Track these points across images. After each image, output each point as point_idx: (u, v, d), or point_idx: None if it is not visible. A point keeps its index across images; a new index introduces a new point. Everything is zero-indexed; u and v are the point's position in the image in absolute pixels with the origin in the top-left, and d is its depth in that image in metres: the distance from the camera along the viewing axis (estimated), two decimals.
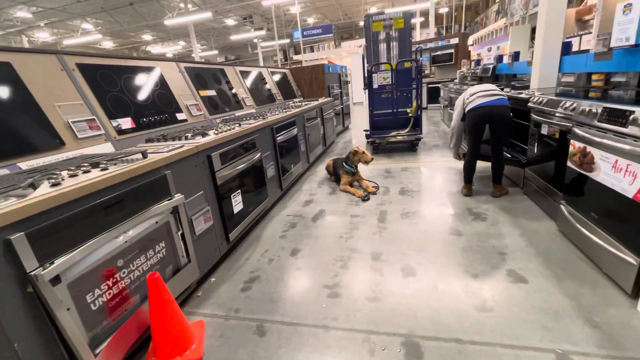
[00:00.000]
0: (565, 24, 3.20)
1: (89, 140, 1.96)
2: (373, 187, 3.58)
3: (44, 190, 1.19)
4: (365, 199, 3.34)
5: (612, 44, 2.30)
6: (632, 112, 1.58)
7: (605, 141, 1.73)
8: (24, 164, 1.59)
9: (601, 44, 2.52)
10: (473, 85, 3.31)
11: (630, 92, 2.35)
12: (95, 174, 1.38)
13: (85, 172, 1.42)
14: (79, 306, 1.23)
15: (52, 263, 1.12)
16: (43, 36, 16.19)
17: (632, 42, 2.12)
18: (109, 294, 1.38)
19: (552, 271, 1.92)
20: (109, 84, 2.26)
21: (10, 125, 1.59)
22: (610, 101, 1.89)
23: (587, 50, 3.57)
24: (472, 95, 3.01)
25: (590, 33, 3.91)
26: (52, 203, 1.15)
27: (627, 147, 1.57)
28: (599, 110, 1.84)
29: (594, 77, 2.99)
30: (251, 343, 1.62)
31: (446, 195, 3.23)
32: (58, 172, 1.38)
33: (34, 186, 1.20)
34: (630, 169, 1.57)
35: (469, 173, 3.14)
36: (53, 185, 1.23)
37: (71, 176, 1.36)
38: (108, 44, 19.80)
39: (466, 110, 2.99)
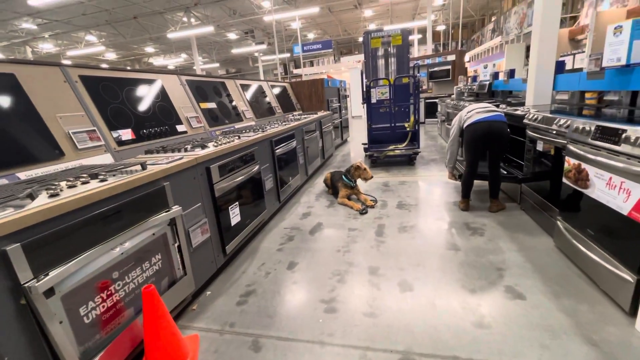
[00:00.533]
0: (558, 43, 3.29)
1: (89, 151, 1.97)
2: (371, 200, 3.58)
3: (42, 201, 1.19)
4: (363, 212, 3.34)
5: (604, 64, 2.36)
6: (625, 130, 1.61)
7: (599, 158, 1.76)
8: (23, 174, 1.59)
9: (593, 63, 2.59)
10: (470, 101, 3.36)
11: (623, 111, 2.40)
12: (94, 185, 1.38)
13: (84, 183, 1.42)
14: (72, 319, 1.21)
15: (47, 275, 1.11)
16: (47, 47, 16.42)
17: (623, 62, 2.18)
18: (103, 306, 1.36)
19: (550, 288, 1.91)
20: (110, 96, 2.29)
21: (10, 135, 1.61)
22: (604, 119, 1.93)
23: (580, 69, 3.66)
24: (469, 112, 3.08)
25: (584, 52, 4.01)
26: (50, 214, 1.15)
27: (620, 164, 1.60)
28: (593, 128, 1.87)
29: (587, 95, 3.05)
30: (246, 359, 1.59)
31: (444, 210, 3.23)
32: (57, 183, 1.38)
33: (32, 197, 1.20)
34: (624, 186, 1.59)
35: (466, 188, 3.16)
36: (51, 196, 1.24)
37: (70, 187, 1.36)
38: (111, 56, 20.07)
39: (464, 126, 3.04)
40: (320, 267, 2.37)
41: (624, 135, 1.61)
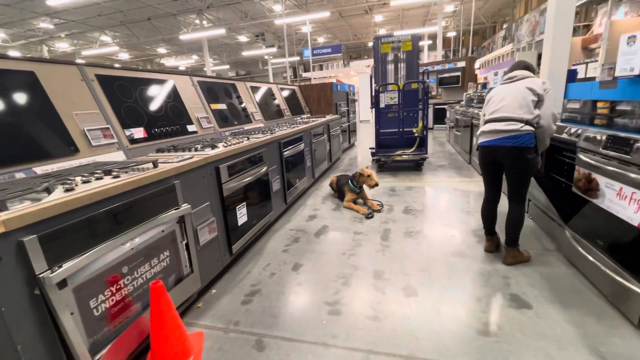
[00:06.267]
0: (571, 51, 3.27)
1: (102, 148, 2.01)
2: (377, 205, 3.58)
3: (58, 194, 1.23)
4: (369, 216, 3.34)
5: (617, 74, 2.34)
6: (637, 140, 1.60)
7: (609, 168, 1.74)
8: (40, 169, 1.64)
9: (606, 72, 2.57)
10: (480, 107, 3.02)
11: (636, 121, 2.36)
12: (107, 181, 1.42)
13: (97, 178, 1.46)
14: (83, 311, 1.24)
15: (61, 266, 1.14)
16: (63, 46, 16.81)
17: (637, 72, 2.15)
18: (112, 300, 1.39)
19: (557, 298, 1.89)
20: (124, 95, 2.34)
21: (29, 130, 1.66)
22: (616, 129, 1.91)
23: (593, 78, 3.63)
24: (485, 113, 2.37)
25: (596, 61, 3.98)
26: (65, 208, 1.18)
27: (631, 175, 1.58)
28: (604, 138, 1.86)
29: (599, 104, 3.02)
30: (250, 358, 1.60)
31: (451, 216, 3.22)
32: (72, 178, 1.42)
33: (48, 190, 1.23)
34: (635, 197, 1.57)
35: (485, 220, 2.47)
36: (67, 190, 1.27)
37: (84, 182, 1.40)
38: (124, 56, 20.46)
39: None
40: (325, 270, 2.37)
41: (635, 145, 1.59)
